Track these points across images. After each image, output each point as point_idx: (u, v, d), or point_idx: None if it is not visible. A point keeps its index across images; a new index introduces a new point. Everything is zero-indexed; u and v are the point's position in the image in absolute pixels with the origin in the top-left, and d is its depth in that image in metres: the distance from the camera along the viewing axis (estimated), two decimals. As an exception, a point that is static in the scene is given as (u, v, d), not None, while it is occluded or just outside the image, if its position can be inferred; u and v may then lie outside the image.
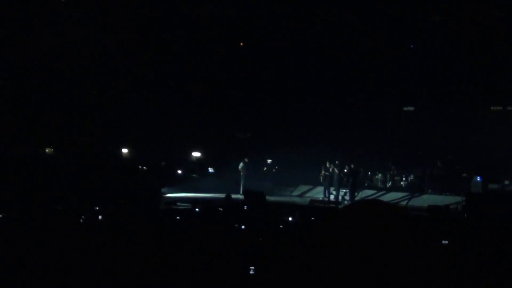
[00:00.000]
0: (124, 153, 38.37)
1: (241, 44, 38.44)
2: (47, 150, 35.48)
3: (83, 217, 14.92)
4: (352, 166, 32.46)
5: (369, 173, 36.18)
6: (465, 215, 23.86)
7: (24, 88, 34.62)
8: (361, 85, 37.83)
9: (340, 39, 35.67)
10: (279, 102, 40.32)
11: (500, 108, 37.00)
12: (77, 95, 36.31)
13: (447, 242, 12.42)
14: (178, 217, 16.49)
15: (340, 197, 32.16)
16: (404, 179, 35.05)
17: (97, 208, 17.41)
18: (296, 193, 35.96)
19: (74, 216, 15.01)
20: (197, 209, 20.19)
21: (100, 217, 15.33)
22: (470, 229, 15.26)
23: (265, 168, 37.52)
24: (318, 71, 37.62)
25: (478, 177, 31.07)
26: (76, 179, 26.66)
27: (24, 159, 29.88)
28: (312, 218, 17.35)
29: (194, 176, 37.58)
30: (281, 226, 15.67)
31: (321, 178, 33.33)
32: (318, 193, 34.32)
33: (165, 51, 36.64)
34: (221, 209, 20.26)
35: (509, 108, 36.77)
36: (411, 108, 39.27)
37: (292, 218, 18.38)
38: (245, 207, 22.53)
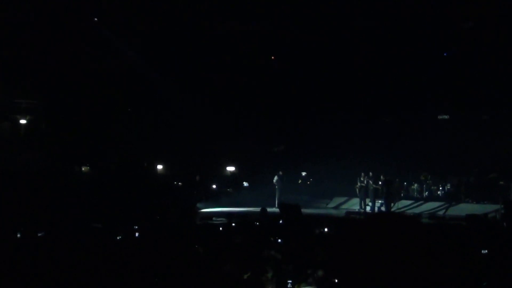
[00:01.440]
0: (159, 169, 38.63)
1: (272, 57, 38.45)
2: (83, 168, 35.89)
3: (120, 235, 15.01)
4: (383, 176, 32.27)
5: (405, 183, 35.88)
6: (504, 223, 23.53)
7: (59, 106, 35.11)
8: (395, 94, 37.53)
9: (373, 48, 35.50)
10: (312, 114, 40.21)
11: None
12: (112, 113, 36.72)
13: (486, 251, 12.27)
14: (214, 232, 16.53)
15: (376, 208, 31.96)
16: (440, 188, 34.73)
17: (134, 225, 17.51)
18: (331, 205, 35.82)
19: (111, 234, 15.11)
20: (233, 224, 20.22)
21: (137, 234, 15.43)
22: (510, 238, 15.07)
23: (300, 181, 37.45)
24: (352, 81, 37.44)
25: (516, 184, 30.72)
26: (112, 196, 26.87)
27: (60, 177, 30.21)
28: (348, 230, 17.23)
29: (229, 191, 37.66)
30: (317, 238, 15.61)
31: (357, 189, 33.17)
32: (354, 204, 34.15)
33: (199, 67, 36.81)
34: (257, 223, 20.27)
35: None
36: (445, 117, 38.86)
37: (328, 230, 18.30)
38: (281, 221, 22.50)
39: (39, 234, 14.66)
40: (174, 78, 37.02)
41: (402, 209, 31.76)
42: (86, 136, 35.05)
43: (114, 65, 34.75)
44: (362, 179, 32.67)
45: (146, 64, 36.00)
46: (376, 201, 32.26)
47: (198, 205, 31.33)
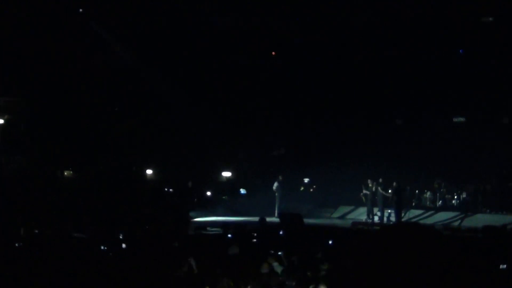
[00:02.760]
0: (149, 174, 38.53)
1: (273, 53, 38.43)
2: (65, 173, 35.79)
3: (105, 245, 14.95)
4: (395, 183, 32.19)
5: (417, 191, 35.79)
6: (525, 236, 23.50)
7: (40, 105, 35.01)
8: (406, 94, 37.49)
9: (383, 45, 35.50)
10: (316, 114, 40.14)
11: None
12: (99, 113, 36.63)
13: (505, 266, 12.23)
14: (209, 243, 16.47)
15: (385, 218, 31.90)
16: (455, 197, 34.63)
17: (120, 235, 17.45)
18: (336, 214, 35.75)
19: (94, 245, 15.05)
20: (229, 234, 20.16)
21: (123, 245, 15.36)
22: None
23: (302, 188, 37.40)
24: (360, 80, 37.40)
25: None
26: (97, 203, 26.79)
27: (40, 182, 30.13)
28: (355, 243, 17.18)
29: (225, 198, 37.59)
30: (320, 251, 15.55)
31: (364, 198, 33.08)
32: (360, 214, 34.08)
33: (192, 64, 36.79)
34: (255, 234, 20.23)
35: None
36: (461, 119, 38.77)
37: (333, 242, 18.25)
38: (281, 232, 22.46)
39: (16, 245, 14.59)
40: (165, 75, 36.97)
41: (413, 220, 31.67)
42: (69, 138, 34.92)
43: (102, 62, 34.69)
44: (370, 186, 32.57)
45: (136, 61, 35.97)
46: (385, 210, 32.16)
47: (191, 213, 31.26)
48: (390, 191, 32.28)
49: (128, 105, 37.94)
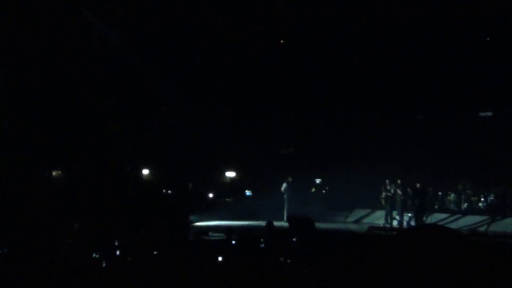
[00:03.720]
0: (145, 174, 38.52)
1: (281, 41, 38.36)
2: (53, 173, 35.79)
3: (97, 252, 14.90)
4: (418, 185, 32.10)
5: (440, 193, 35.72)
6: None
7: (25, 100, 34.98)
8: (427, 87, 37.35)
9: (401, 32, 35.40)
10: (328, 110, 40.10)
11: None
12: (89, 108, 36.58)
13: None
14: (211, 250, 16.39)
15: (405, 223, 31.81)
16: (482, 199, 34.53)
17: (114, 241, 17.39)
18: (351, 218, 35.74)
19: (85, 252, 15.00)
20: (233, 240, 20.10)
21: (117, 252, 15.29)
22: None
23: (313, 189, 37.36)
24: (376, 73, 37.31)
25: None
26: (87, 206, 26.76)
27: (25, 183, 30.12)
28: (372, 249, 17.10)
29: (228, 201, 37.57)
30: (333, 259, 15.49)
31: (382, 200, 32.99)
32: (378, 218, 34.04)
33: (192, 54, 36.79)
34: (262, 240, 20.14)
35: None
36: (489, 113, 38.64)
37: (348, 249, 18.17)
38: (291, 238, 22.37)
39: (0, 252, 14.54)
40: (164, 66, 36.91)
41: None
42: (58, 135, 34.89)
43: (94, 52, 34.64)
44: (388, 187, 32.51)
45: (131, 51, 35.92)
46: (405, 214, 32.08)
47: (191, 217, 31.22)
48: (410, 192, 32.17)
49: (123, 100, 37.89)
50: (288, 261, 14.49)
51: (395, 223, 32.16)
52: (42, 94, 34.75)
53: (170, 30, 35.14)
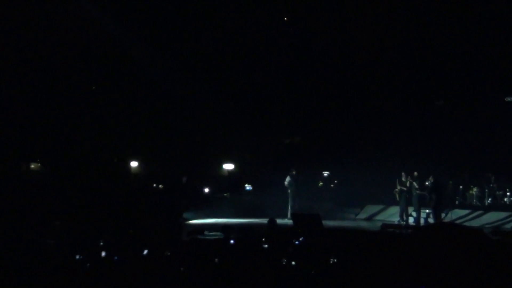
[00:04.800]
0: (134, 167, 38.53)
1: (285, 19, 38.34)
2: (32, 166, 35.80)
3: (80, 254, 14.92)
4: (432, 178, 32.08)
5: (461, 187, 35.72)
6: None
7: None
8: (448, 70, 37.32)
9: (420, 11, 35.44)
10: (337, 95, 40.07)
11: None
12: (72, 93, 36.55)
13: None
14: (207, 251, 16.41)
15: (422, 220, 31.80)
16: (508, 194, 34.54)
17: (99, 241, 17.41)
18: (362, 215, 35.73)
19: (68, 253, 15.02)
20: (231, 240, 20.12)
21: (103, 253, 15.32)
22: None
23: (320, 183, 37.34)
24: (390, 55, 37.31)
25: None
26: (70, 202, 26.79)
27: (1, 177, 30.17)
28: (386, 249, 17.14)
29: (226, 196, 37.59)
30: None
31: (397, 195, 32.97)
32: (392, 215, 34.05)
33: (188, 35, 36.80)
34: (264, 239, 20.16)
35: None
36: (516, 98, 38.67)
37: (359, 249, 18.19)
38: (296, 237, 22.38)
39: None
40: (155, 49, 36.90)
41: (456, 221, 31.60)
42: (36, 124, 34.89)
43: (75, 31, 34.61)
44: (403, 180, 32.47)
45: (117, 30, 35.86)
46: (422, 210, 32.08)
47: (185, 215, 31.24)
48: (428, 185, 32.16)
49: (109, 84, 37.84)
50: (293, 263, 14.49)
51: (411, 220, 32.14)
52: (20, 79, 34.75)
53: (163, 12, 35.16)
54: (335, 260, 15.72)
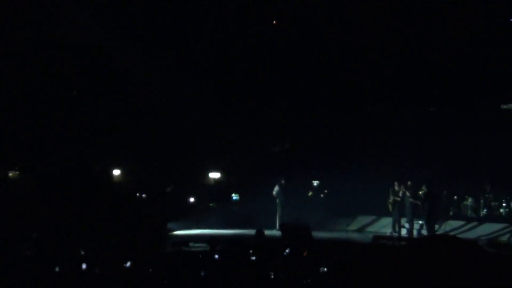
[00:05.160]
0: (116, 175, 38.42)
1: (274, 22, 38.35)
2: (10, 174, 35.63)
3: (59, 266, 14.84)
4: (430, 187, 32.10)
5: (455, 197, 35.79)
6: None
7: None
8: (442, 75, 37.36)
9: (409, 16, 35.53)
10: (328, 101, 40.02)
11: None
12: (52, 97, 36.39)
13: None
14: (192, 263, 16.36)
15: (415, 231, 31.84)
16: (504, 205, 34.60)
17: (80, 252, 17.34)
18: (353, 226, 35.81)
19: (47, 265, 14.94)
20: (217, 252, 20.08)
21: (83, 265, 15.25)
22: None
23: (310, 193, 37.33)
24: (383, 56, 37.31)
25: None
26: (49, 212, 26.67)
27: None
28: (377, 262, 17.12)
29: (212, 206, 37.52)
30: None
31: (390, 205, 32.93)
32: (384, 226, 34.12)
33: (173, 33, 36.78)
34: (251, 251, 20.13)
35: None
36: (512, 106, 38.73)
37: (349, 261, 18.19)
38: (285, 248, 22.35)
39: None
40: (139, 49, 36.78)
41: (450, 233, 31.64)
42: (15, 130, 34.75)
43: (54, 32, 34.52)
44: (396, 190, 32.46)
45: (100, 31, 35.75)
46: (416, 221, 32.12)
47: (170, 225, 31.19)
48: (421, 194, 32.21)
49: (91, 88, 37.71)
50: (281, 275, 14.46)
51: (404, 231, 32.15)
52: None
53: (148, 13, 35.17)
54: (325, 272, 15.69)
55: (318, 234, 27.78)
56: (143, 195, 36.23)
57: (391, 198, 32.64)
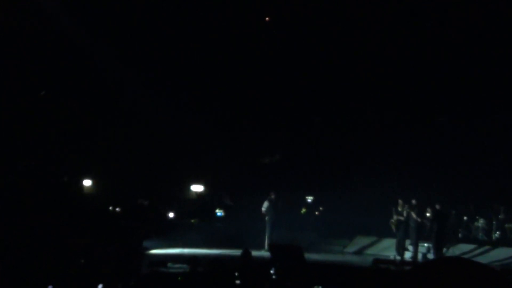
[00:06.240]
0: (87, 186, 38.32)
1: (267, 19, 38.43)
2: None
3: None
4: (437, 206, 32.07)
5: (465, 217, 35.76)
6: None
7: None
8: (452, 83, 37.42)
9: (415, 18, 35.69)
10: (323, 108, 40.08)
11: None
12: (13, 96, 36.23)
13: None
14: (169, 287, 16.29)
15: (420, 255, 31.79)
16: (519, 227, 34.66)
17: (46, 275, 17.23)
18: (351, 248, 35.74)
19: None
20: (198, 275, 20.01)
21: None
22: None
23: (303, 210, 37.30)
24: (386, 61, 37.38)
25: None
26: (10, 228, 26.49)
27: None
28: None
29: (194, 222, 37.48)
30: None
31: (393, 226, 32.85)
32: (386, 248, 34.08)
33: (154, 34, 36.86)
34: (236, 274, 20.06)
35: None
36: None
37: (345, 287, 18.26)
38: (273, 271, 22.30)
39: None
40: (116, 48, 36.81)
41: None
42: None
43: (19, 25, 34.50)
44: (400, 209, 32.40)
45: (73, 26, 35.75)
46: (421, 244, 32.07)
47: (146, 243, 31.07)
48: (427, 216, 32.16)
49: (60, 89, 37.61)
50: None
51: (408, 255, 32.09)
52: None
53: (125, 22, 35.30)
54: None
55: (311, 256, 27.81)
56: (117, 209, 36.16)
57: (394, 218, 32.57)
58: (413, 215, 31.98)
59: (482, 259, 30.83)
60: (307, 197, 38.23)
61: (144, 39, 36.83)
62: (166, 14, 36.03)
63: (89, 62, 36.96)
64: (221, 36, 37.22)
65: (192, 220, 37.60)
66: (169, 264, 25.23)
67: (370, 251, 34.79)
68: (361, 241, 35.99)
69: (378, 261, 29.42)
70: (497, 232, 34.90)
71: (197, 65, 38.03)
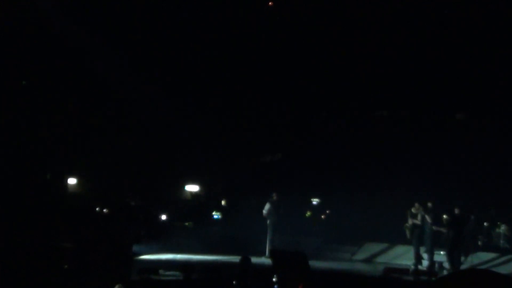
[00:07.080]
0: (72, 185, 38.23)
1: (270, 3, 38.51)
2: None
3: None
4: (456, 211, 31.92)
5: (485, 223, 35.61)
6: None
7: None
8: (470, 77, 37.42)
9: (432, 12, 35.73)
10: (330, 105, 40.05)
11: None
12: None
13: None
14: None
15: (436, 264, 31.62)
16: (545, 234, 34.58)
17: (26, 280, 17.09)
18: (360, 256, 35.57)
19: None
20: (192, 284, 19.95)
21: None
22: None
23: (308, 213, 37.19)
24: (397, 56, 37.46)
25: None
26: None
27: None
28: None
29: (188, 226, 37.37)
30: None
31: (407, 230, 32.68)
32: (398, 256, 33.96)
33: (147, 28, 36.99)
34: (234, 283, 20.00)
35: None
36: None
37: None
38: (274, 280, 22.16)
39: None
40: (104, 41, 36.85)
41: (478, 267, 31.39)
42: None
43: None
44: (414, 212, 32.21)
45: (61, 15, 35.80)
46: (436, 252, 31.91)
47: (136, 248, 30.94)
48: (444, 221, 32.01)
49: (44, 80, 37.60)
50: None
51: (424, 264, 31.91)
52: None
53: (118, 19, 35.47)
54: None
55: (316, 264, 27.55)
56: (104, 209, 36.05)
57: (409, 222, 32.37)
58: (428, 219, 31.80)
59: (504, 269, 30.72)
60: (312, 199, 38.10)
61: (139, 35, 37.04)
62: (166, 14, 36.22)
63: (78, 58, 37.07)
64: (220, 36, 37.37)
65: (186, 223, 37.48)
66: (161, 271, 25.17)
67: (380, 259, 34.63)
68: (371, 248, 35.82)
69: (390, 270, 29.38)
70: (520, 240, 34.85)
71: (192, 64, 38.14)
